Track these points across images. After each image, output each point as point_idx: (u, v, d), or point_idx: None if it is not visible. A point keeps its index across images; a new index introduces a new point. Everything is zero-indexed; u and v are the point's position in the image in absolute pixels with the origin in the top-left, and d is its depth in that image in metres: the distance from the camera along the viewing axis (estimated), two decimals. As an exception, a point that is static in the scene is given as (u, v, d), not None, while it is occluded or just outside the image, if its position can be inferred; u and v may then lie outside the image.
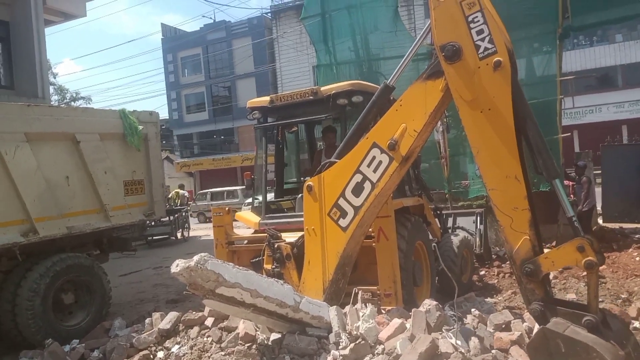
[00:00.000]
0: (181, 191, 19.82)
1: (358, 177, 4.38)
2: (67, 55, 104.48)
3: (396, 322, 4.15)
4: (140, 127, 7.60)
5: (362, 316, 4.24)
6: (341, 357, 3.89)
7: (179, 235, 17.12)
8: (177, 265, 3.74)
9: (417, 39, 4.41)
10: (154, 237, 16.11)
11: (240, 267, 4.08)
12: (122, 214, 7.35)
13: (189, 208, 18.23)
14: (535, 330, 3.96)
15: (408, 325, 4.09)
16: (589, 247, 3.24)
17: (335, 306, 4.38)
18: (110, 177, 7.20)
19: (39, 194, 6.30)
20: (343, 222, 4.47)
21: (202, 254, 3.76)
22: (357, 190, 4.38)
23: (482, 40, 3.62)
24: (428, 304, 4.35)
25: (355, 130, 4.57)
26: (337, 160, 4.57)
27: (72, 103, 35.94)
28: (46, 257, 6.42)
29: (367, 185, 4.34)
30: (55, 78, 36.35)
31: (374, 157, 4.30)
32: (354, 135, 4.54)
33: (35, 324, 6.06)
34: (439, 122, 10.41)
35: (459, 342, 3.87)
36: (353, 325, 4.19)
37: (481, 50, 3.63)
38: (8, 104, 6.69)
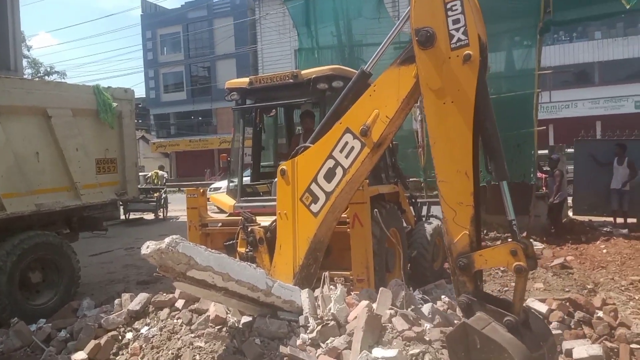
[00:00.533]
0: (160, 172, 20.00)
1: (330, 163, 4.34)
2: (43, 27, 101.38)
3: (364, 303, 4.20)
4: (115, 104, 7.43)
5: (334, 297, 4.26)
6: (310, 340, 3.91)
7: (159, 214, 17.45)
8: (148, 247, 3.67)
9: (396, 24, 4.36)
10: (132, 214, 16.67)
11: (213, 250, 4.04)
12: (93, 193, 7.20)
13: (166, 189, 18.93)
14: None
15: (375, 306, 4.13)
16: (522, 252, 3.28)
17: (307, 289, 4.39)
18: (81, 155, 7.03)
19: (7, 169, 6.12)
20: (314, 208, 4.44)
21: (174, 236, 3.69)
22: (329, 175, 4.35)
23: (457, 30, 3.54)
24: (394, 283, 4.39)
25: (330, 115, 4.52)
26: (311, 145, 4.54)
27: (46, 77, 35.00)
28: (13, 235, 6.27)
29: (339, 171, 4.31)
30: (29, 51, 35.45)
31: (346, 143, 4.25)
32: (329, 121, 4.49)
33: (0, 302, 5.94)
34: (418, 111, 10.46)
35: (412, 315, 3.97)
36: (324, 308, 4.21)
37: (454, 40, 3.55)
38: (-24, 75, 6.47)
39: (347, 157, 4.27)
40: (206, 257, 3.81)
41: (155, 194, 17.15)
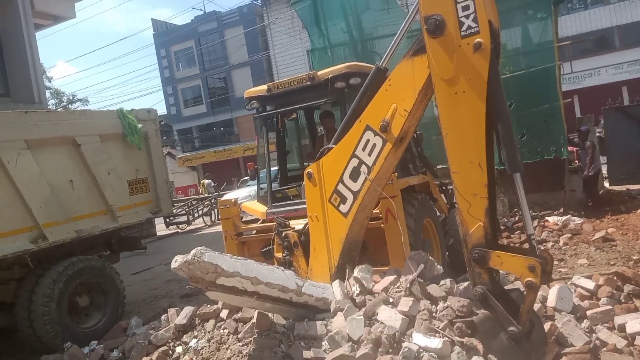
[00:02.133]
0: (207, 181, 21.63)
1: (354, 162, 4.33)
2: (61, 57, 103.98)
3: (390, 278, 4.27)
4: (140, 126, 7.56)
5: (359, 270, 4.38)
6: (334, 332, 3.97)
7: (208, 221, 19.27)
8: (176, 261, 3.80)
9: (407, 15, 4.30)
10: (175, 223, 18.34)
11: (239, 257, 4.12)
12: (129, 214, 7.35)
13: (215, 196, 20.71)
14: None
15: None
16: (539, 269, 3.26)
17: (337, 280, 4.42)
18: (114, 178, 7.18)
19: (45, 199, 6.30)
20: (343, 208, 4.44)
21: (199, 248, 3.80)
22: (355, 175, 4.34)
23: (467, 17, 3.44)
24: (414, 254, 4.44)
25: (350, 114, 4.49)
26: (334, 146, 4.54)
27: (70, 106, 35.92)
28: (57, 262, 6.44)
29: (364, 169, 4.29)
30: (50, 82, 36.42)
31: (368, 140, 4.23)
32: (350, 120, 4.46)
33: (52, 329, 6.11)
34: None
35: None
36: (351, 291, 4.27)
37: (464, 27, 3.46)
38: (6, 112, 6.66)
39: (370, 154, 4.24)
40: (232, 263, 3.90)
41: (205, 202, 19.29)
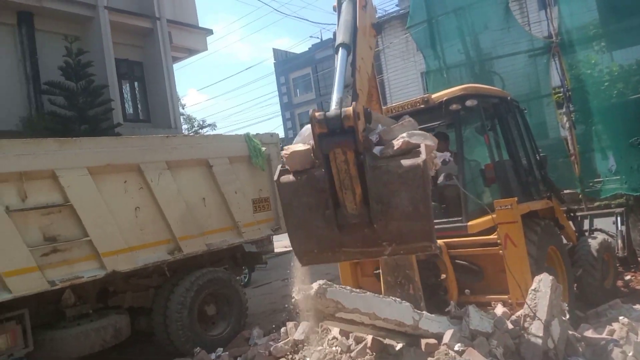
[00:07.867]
0: None
1: None
2: (192, 86, 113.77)
3: None
4: (264, 149, 8.09)
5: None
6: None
7: None
8: (299, 292, 3.93)
9: None
10: None
11: (358, 290, 4.17)
12: (253, 230, 7.83)
13: None
14: None
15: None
16: None
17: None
18: (240, 197, 7.72)
19: (181, 215, 6.94)
20: None
21: (320, 282, 3.89)
22: None
23: None
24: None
25: None
26: None
27: (200, 130, 38.96)
28: (190, 273, 7.04)
29: None
30: (183, 109, 39.77)
31: None
32: None
33: (184, 334, 6.66)
34: (565, 118, 9.74)
35: None
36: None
37: None
38: (150, 136, 7.52)
39: None
40: (353, 299, 3.95)
41: None
